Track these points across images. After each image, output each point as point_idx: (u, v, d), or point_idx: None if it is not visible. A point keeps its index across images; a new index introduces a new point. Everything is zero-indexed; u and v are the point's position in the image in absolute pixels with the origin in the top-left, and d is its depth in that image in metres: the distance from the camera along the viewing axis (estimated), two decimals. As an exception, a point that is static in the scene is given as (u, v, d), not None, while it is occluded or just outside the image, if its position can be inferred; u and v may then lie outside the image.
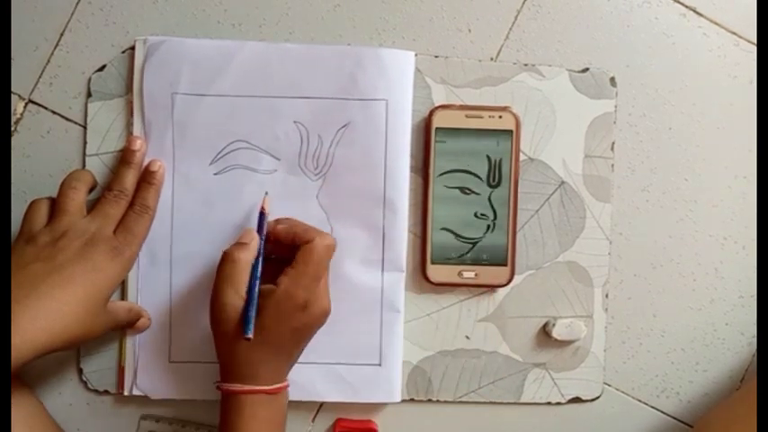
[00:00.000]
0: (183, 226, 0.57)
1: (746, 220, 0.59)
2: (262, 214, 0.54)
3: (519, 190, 0.57)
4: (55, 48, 0.58)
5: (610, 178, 0.59)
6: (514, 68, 0.58)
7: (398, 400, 0.57)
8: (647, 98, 0.59)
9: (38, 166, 0.58)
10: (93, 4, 0.58)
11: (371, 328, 0.57)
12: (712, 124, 0.59)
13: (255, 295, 0.50)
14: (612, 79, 0.58)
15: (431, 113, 0.57)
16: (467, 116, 0.57)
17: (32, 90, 0.58)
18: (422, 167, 0.58)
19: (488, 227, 0.57)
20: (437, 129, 0.57)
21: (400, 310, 0.57)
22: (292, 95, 0.57)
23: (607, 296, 0.59)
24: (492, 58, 0.58)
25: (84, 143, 0.57)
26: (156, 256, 0.57)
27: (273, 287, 0.50)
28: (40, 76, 0.58)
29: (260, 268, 0.52)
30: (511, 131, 0.57)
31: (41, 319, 0.48)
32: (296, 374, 0.55)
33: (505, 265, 0.57)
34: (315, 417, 0.59)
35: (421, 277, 0.58)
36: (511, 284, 0.58)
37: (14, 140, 0.58)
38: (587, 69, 0.58)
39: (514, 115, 0.57)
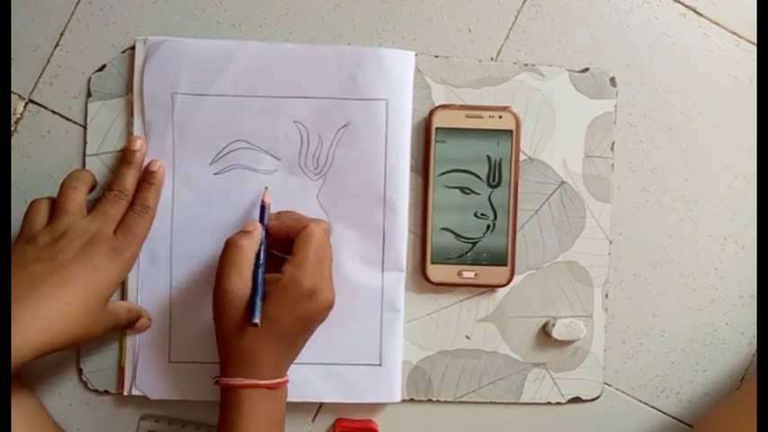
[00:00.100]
0: (183, 226, 0.57)
1: (746, 220, 0.59)
2: (263, 206, 0.54)
3: (519, 190, 0.57)
4: (55, 48, 0.58)
5: (610, 178, 0.59)
6: (514, 68, 0.58)
7: (398, 400, 0.57)
8: (647, 98, 0.59)
9: (38, 166, 0.58)
10: (93, 4, 0.58)
11: (371, 328, 0.57)
12: (712, 124, 0.59)
13: (261, 282, 0.50)
14: (612, 79, 0.58)
15: (431, 113, 0.57)
16: (467, 116, 0.57)
17: (32, 90, 0.58)
18: (422, 167, 0.58)
19: (488, 227, 0.57)
20: (437, 129, 0.57)
21: (400, 309, 0.57)
22: (292, 95, 0.57)
23: (607, 296, 0.59)
24: (492, 58, 0.58)
25: (85, 143, 0.57)
26: (156, 256, 0.57)
27: (279, 275, 0.50)
28: (40, 76, 0.58)
29: (263, 256, 0.52)
30: (511, 131, 0.57)
31: (41, 319, 0.48)
32: (296, 375, 0.55)
33: (505, 265, 0.57)
34: (315, 417, 0.59)
35: (421, 277, 0.58)
36: (511, 284, 0.58)
37: (14, 140, 0.58)
38: (587, 69, 0.58)
39: (514, 115, 0.57)
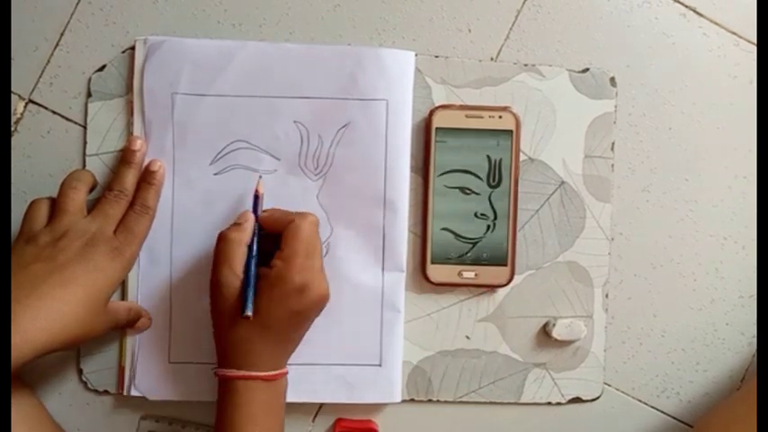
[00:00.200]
0: (182, 226, 0.57)
1: (746, 220, 0.59)
2: (256, 196, 0.54)
3: (519, 190, 0.57)
4: (55, 48, 0.58)
5: (610, 178, 0.59)
6: (514, 68, 0.58)
7: (398, 400, 0.57)
8: (647, 98, 0.59)
9: (38, 166, 0.58)
10: (93, 4, 0.58)
11: (371, 329, 0.57)
12: (712, 124, 0.59)
13: (252, 274, 0.51)
14: (612, 79, 0.58)
15: (431, 113, 0.57)
16: (467, 116, 0.57)
17: (32, 90, 0.58)
18: (422, 167, 0.58)
19: (488, 227, 0.57)
20: (437, 129, 0.57)
21: (400, 310, 0.57)
22: (292, 95, 0.57)
23: (607, 296, 0.59)
24: (492, 58, 0.58)
25: (85, 143, 0.57)
26: (156, 255, 0.57)
27: (269, 270, 0.50)
28: (40, 76, 0.58)
29: (255, 247, 0.52)
30: (511, 131, 0.57)
31: (42, 319, 0.48)
32: (296, 375, 0.55)
33: (505, 265, 0.57)
34: (315, 417, 0.59)
35: (421, 277, 0.58)
36: (511, 284, 0.58)
37: (14, 140, 0.58)
38: (587, 69, 0.58)
39: (514, 115, 0.57)
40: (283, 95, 0.57)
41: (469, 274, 0.57)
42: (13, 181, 0.57)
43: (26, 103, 0.58)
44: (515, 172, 0.57)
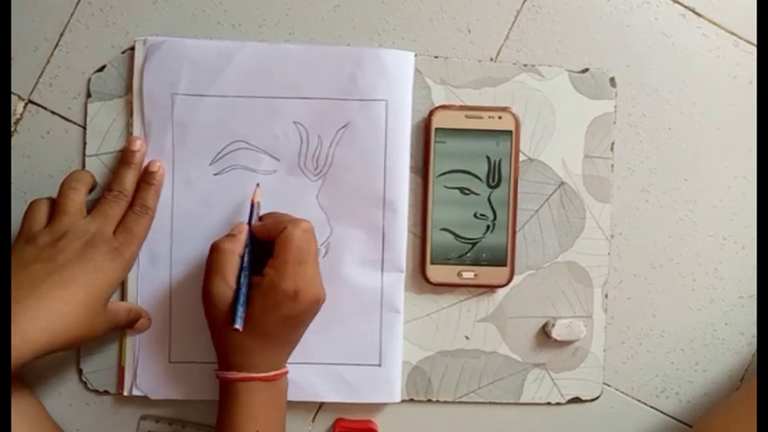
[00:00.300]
0: (182, 226, 0.57)
1: (746, 220, 0.59)
2: (252, 206, 0.54)
3: (519, 190, 0.57)
4: (55, 48, 0.58)
5: (609, 178, 0.59)
6: (514, 69, 0.58)
7: (398, 400, 0.57)
8: (647, 98, 0.59)
9: (38, 167, 0.58)
10: (93, 4, 0.58)
11: (371, 329, 0.57)
12: (712, 124, 0.59)
13: (243, 285, 0.51)
14: (612, 79, 0.58)
15: (431, 114, 0.57)
16: (466, 116, 0.57)
17: (32, 90, 0.58)
18: (422, 168, 0.58)
19: (488, 227, 0.57)
20: (437, 129, 0.57)
21: (400, 310, 0.57)
22: (292, 96, 0.57)
23: (607, 296, 0.59)
24: (492, 59, 0.58)
25: (84, 143, 0.58)
26: (156, 256, 0.57)
27: (261, 278, 0.51)
28: (39, 77, 0.58)
29: (247, 259, 0.52)
30: (510, 132, 0.57)
31: (42, 319, 0.48)
32: (296, 375, 0.55)
33: (505, 265, 0.57)
34: (315, 417, 0.59)
35: (421, 277, 0.58)
36: (510, 285, 0.58)
37: (14, 141, 0.58)
38: (587, 69, 0.58)
39: (514, 116, 0.57)
40: (283, 96, 0.57)
41: (469, 274, 0.57)
42: (12, 181, 0.57)
43: (26, 104, 0.58)
44: (515, 172, 0.57)
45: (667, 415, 0.60)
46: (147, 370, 0.57)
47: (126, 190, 0.55)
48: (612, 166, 0.59)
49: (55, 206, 0.53)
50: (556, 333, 0.57)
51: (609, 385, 0.59)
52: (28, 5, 0.57)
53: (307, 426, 0.59)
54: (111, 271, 0.52)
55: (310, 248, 0.51)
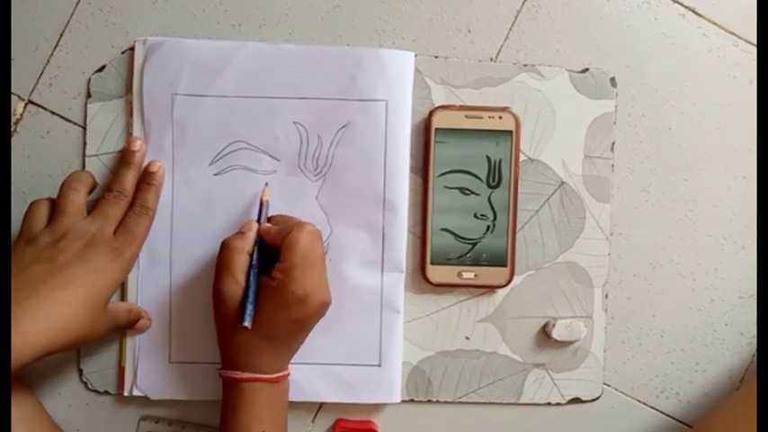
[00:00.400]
0: (182, 226, 0.57)
1: (746, 220, 0.59)
2: (261, 203, 0.54)
3: (519, 190, 0.57)
4: (55, 48, 0.58)
5: (609, 178, 0.59)
6: (514, 69, 0.58)
7: (398, 400, 0.57)
8: (647, 98, 0.59)
9: (38, 167, 0.58)
10: (93, 4, 0.58)
11: (371, 329, 0.57)
12: (712, 124, 0.59)
13: (252, 283, 0.51)
14: (612, 79, 0.58)
15: (431, 114, 0.57)
16: (466, 117, 0.57)
17: (32, 90, 0.58)
18: (422, 168, 0.58)
19: (488, 227, 0.57)
20: (437, 129, 0.57)
21: (400, 310, 0.57)
22: (292, 96, 0.57)
23: (607, 296, 0.59)
24: (492, 59, 0.58)
25: (84, 144, 0.58)
26: (156, 256, 0.57)
27: (270, 280, 0.51)
28: (39, 77, 0.58)
29: (256, 257, 0.52)
30: (511, 132, 0.57)
31: (42, 320, 0.48)
32: (296, 375, 0.55)
33: (505, 265, 0.57)
34: (315, 417, 0.59)
35: (421, 278, 0.58)
36: (510, 285, 0.58)
37: (14, 141, 0.58)
38: (587, 69, 0.58)
39: (514, 116, 0.57)
40: (283, 96, 0.57)
41: (469, 274, 0.57)
42: (12, 182, 0.57)
43: (26, 104, 0.58)
44: (515, 172, 0.57)
45: (667, 415, 0.60)
46: (147, 370, 0.57)
47: (126, 190, 0.55)
48: (612, 166, 0.59)
49: (55, 207, 0.53)
50: (556, 333, 0.57)
51: (609, 385, 0.59)
52: (28, 5, 0.57)
53: (307, 426, 0.59)
54: (112, 271, 0.52)
55: (316, 251, 0.51)
